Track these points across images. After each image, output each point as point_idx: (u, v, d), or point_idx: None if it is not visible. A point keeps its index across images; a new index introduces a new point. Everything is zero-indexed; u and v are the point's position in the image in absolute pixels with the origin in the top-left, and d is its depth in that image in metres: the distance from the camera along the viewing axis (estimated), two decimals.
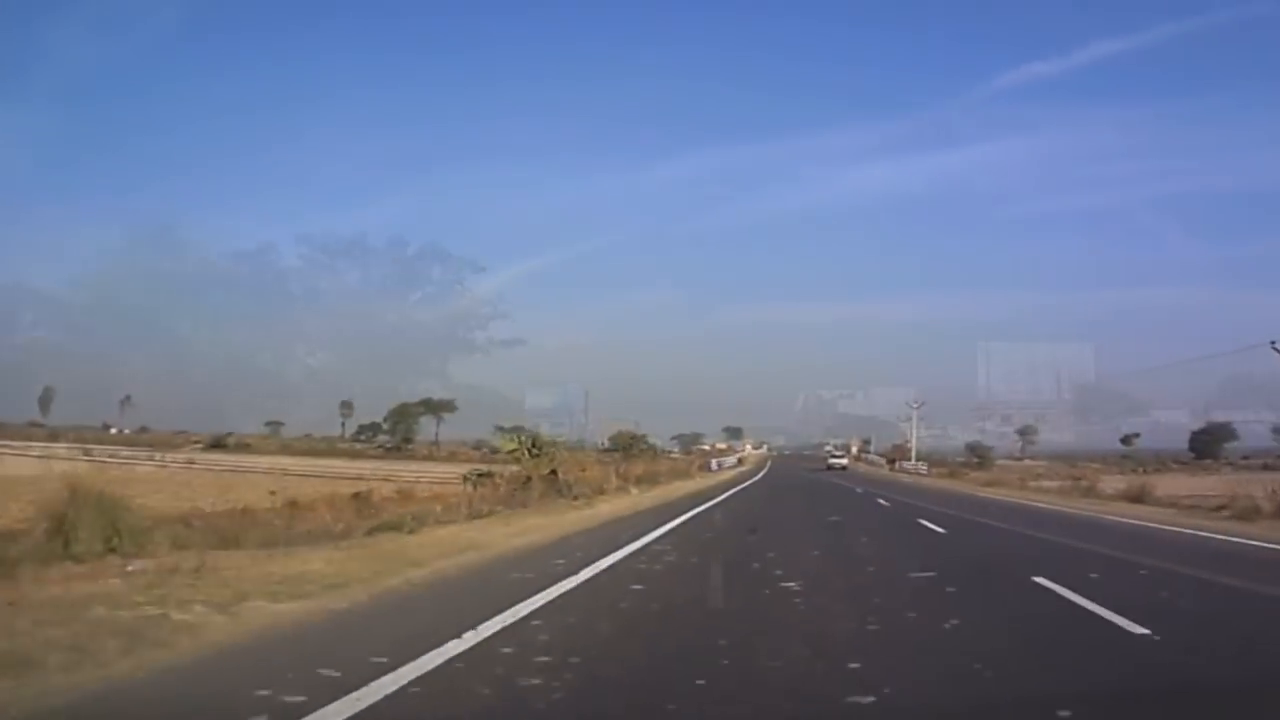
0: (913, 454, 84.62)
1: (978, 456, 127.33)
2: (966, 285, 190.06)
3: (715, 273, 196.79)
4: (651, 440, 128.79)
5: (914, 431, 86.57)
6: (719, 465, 72.99)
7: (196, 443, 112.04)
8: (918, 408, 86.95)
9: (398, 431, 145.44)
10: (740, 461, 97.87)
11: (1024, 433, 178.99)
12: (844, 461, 77.76)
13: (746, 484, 45.90)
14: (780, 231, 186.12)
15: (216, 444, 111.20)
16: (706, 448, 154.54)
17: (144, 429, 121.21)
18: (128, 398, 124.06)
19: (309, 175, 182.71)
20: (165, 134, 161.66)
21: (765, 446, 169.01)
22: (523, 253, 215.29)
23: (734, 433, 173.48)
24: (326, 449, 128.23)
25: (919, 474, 72.24)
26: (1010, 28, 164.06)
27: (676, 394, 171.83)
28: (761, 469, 78.68)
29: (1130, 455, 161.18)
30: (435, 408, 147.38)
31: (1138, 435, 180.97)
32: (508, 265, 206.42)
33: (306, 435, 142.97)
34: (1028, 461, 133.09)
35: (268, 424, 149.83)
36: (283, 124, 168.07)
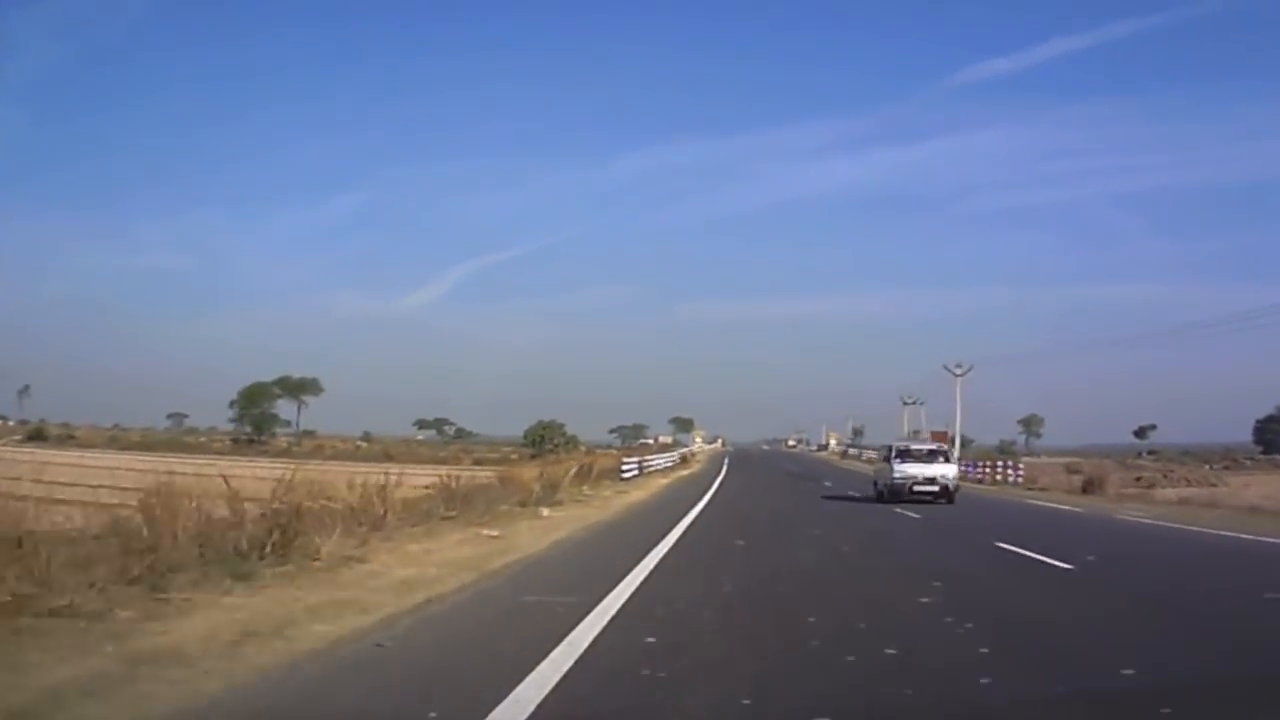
0: (956, 445, 51.22)
1: (1002, 454, 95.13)
2: (927, 280, 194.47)
3: (673, 270, 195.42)
4: (569, 431, 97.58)
5: (958, 413, 53.05)
6: (641, 469, 38.51)
7: (15, 434, 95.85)
8: (963, 373, 53.46)
9: (247, 419, 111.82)
10: (685, 460, 63.71)
11: (1028, 425, 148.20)
12: (946, 477, 26.07)
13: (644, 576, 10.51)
14: (740, 228, 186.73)
15: (35, 435, 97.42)
16: (649, 441, 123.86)
17: (42, 421, 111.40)
18: (26, 388, 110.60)
19: (264, 170, 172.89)
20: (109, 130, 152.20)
21: (720, 440, 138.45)
22: (479, 249, 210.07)
23: (684, 424, 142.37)
24: (166, 442, 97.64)
25: (1013, 484, 38.84)
26: (971, 25, 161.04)
27: (630, 390, 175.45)
28: (716, 474, 45.18)
29: (1158, 450, 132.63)
30: (295, 388, 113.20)
31: (1154, 427, 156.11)
32: (464, 261, 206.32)
33: (211, 428, 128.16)
34: (1045, 458, 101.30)
35: (170, 416, 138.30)
36: (241, 118, 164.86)
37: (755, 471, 54.20)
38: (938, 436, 50.77)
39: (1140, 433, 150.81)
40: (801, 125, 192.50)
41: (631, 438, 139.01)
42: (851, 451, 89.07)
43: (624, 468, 36.93)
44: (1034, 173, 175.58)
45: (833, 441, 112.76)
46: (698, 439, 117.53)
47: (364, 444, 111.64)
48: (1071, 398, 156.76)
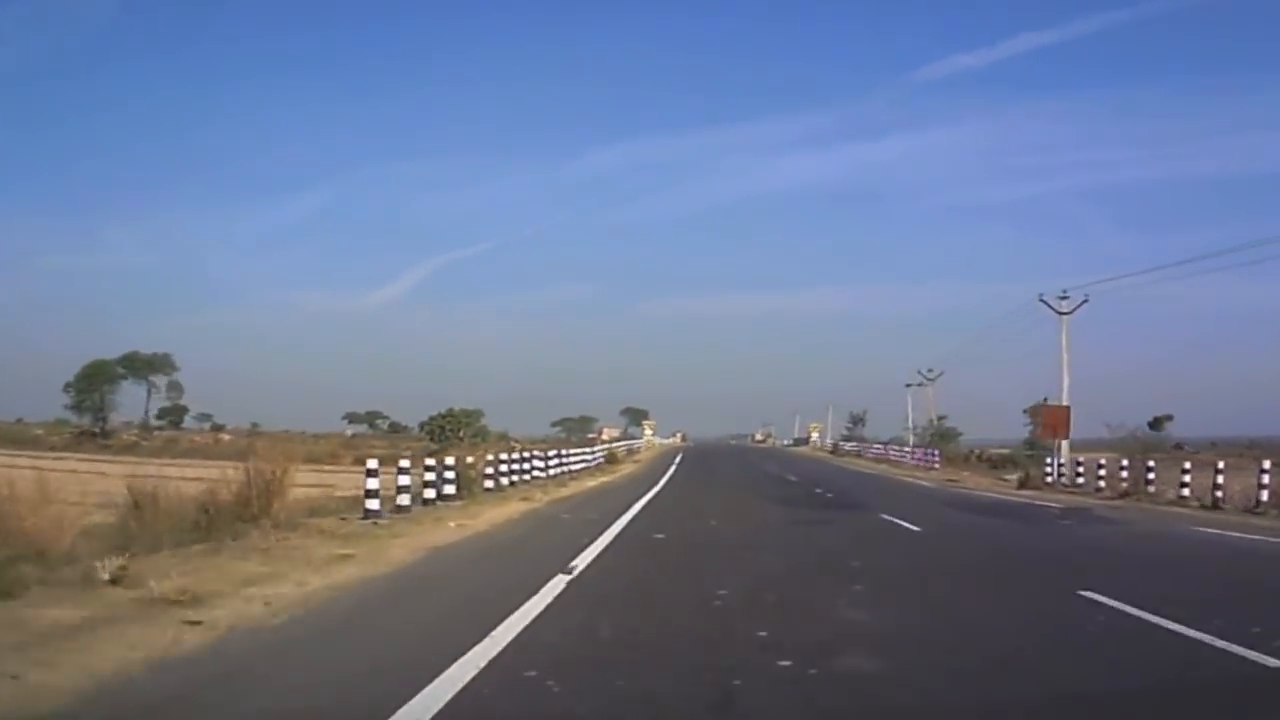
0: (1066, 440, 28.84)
1: (1030, 448, 73.64)
2: (890, 277, 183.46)
3: (637, 266, 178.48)
4: (482, 421, 76.82)
5: (1065, 373, 30.74)
6: (461, 487, 14.26)
7: None
8: (1072, 310, 31.24)
9: (87, 406, 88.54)
10: (612, 459, 41.18)
11: (1034, 414, 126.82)
12: None
13: None
14: (705, 224, 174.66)
15: None
16: (592, 435, 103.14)
17: None
18: None
19: (228, 168, 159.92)
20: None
21: (680, 435, 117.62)
22: (442, 247, 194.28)
23: (637, 416, 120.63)
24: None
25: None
26: (935, 20, 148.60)
27: (591, 386, 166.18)
28: (638, 495, 22.08)
29: (1187, 444, 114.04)
30: (144, 367, 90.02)
31: (1170, 417, 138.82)
32: (425, 260, 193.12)
33: (126, 421, 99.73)
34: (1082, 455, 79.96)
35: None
36: (201, 115, 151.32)
37: (723, 481, 31.53)
38: (1052, 416, 28.78)
39: (1156, 424, 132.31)
40: (765, 121, 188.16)
41: (577, 431, 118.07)
42: (848, 446, 66.62)
43: (370, 493, 14.14)
44: (997, 169, 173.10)
45: (814, 434, 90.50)
46: (648, 432, 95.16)
47: (228, 437, 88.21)
48: (1075, 388, 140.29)
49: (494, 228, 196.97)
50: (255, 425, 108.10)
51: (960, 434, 59.31)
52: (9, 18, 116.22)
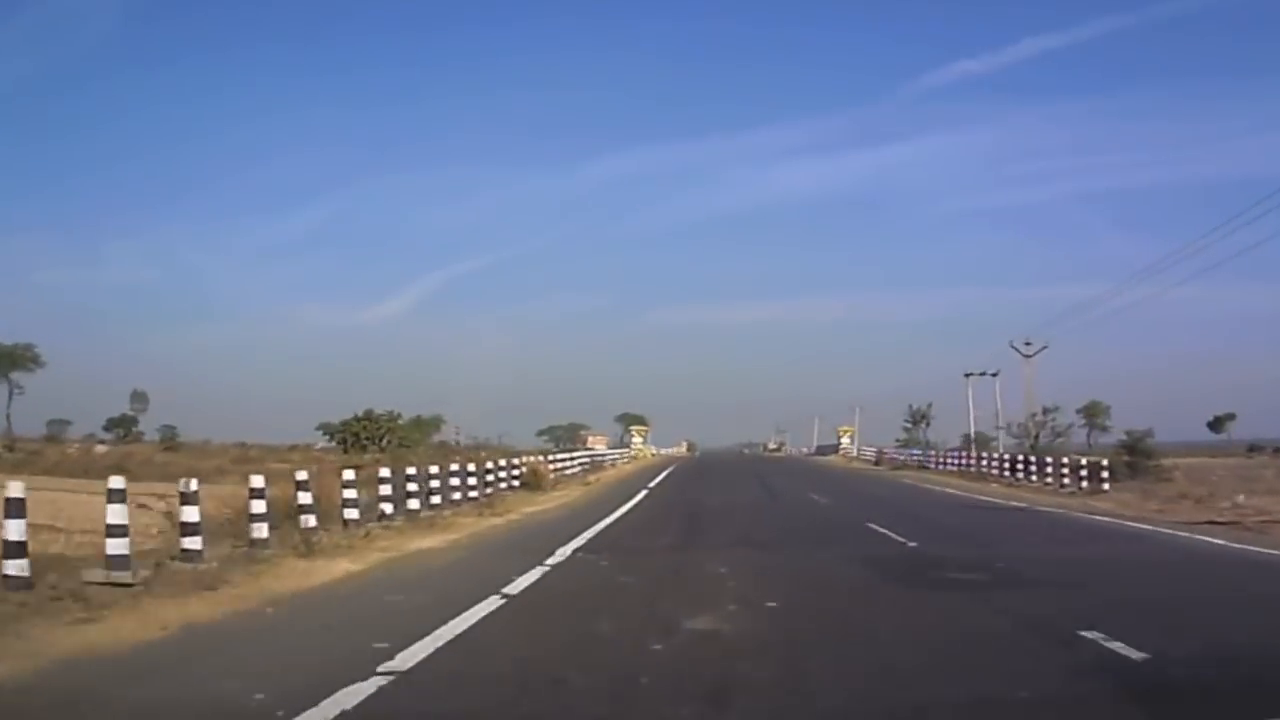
0: None
1: (1130, 453, 53.15)
2: (897, 284, 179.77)
3: (643, 275, 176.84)
4: (444, 426, 60.15)
5: None
6: None
7: None
8: None
9: None
10: (540, 480, 22.27)
11: (1091, 414, 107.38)
12: None
13: None
14: (710, 232, 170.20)
15: None
16: (579, 446, 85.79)
17: None
18: None
19: (228, 181, 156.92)
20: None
21: (686, 444, 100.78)
22: (446, 260, 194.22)
23: (631, 422, 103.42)
24: None
25: None
26: (940, 26, 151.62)
27: (597, 396, 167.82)
28: None
29: (1262, 447, 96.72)
30: (4, 362, 73.94)
31: (1233, 416, 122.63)
32: (431, 271, 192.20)
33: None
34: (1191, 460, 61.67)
35: (50, 423, 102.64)
36: (201, 129, 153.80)
37: (714, 571, 13.57)
38: None
39: (1216, 424, 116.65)
40: (771, 128, 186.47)
41: (567, 439, 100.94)
42: (903, 455, 47.90)
43: None
44: (1004, 174, 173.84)
45: (844, 440, 72.01)
46: (637, 440, 77.51)
47: (102, 449, 70.41)
48: (1124, 385, 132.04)
49: (497, 239, 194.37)
50: (172, 432, 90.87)
51: (1067, 431, 40.95)
52: (8, 31, 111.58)
